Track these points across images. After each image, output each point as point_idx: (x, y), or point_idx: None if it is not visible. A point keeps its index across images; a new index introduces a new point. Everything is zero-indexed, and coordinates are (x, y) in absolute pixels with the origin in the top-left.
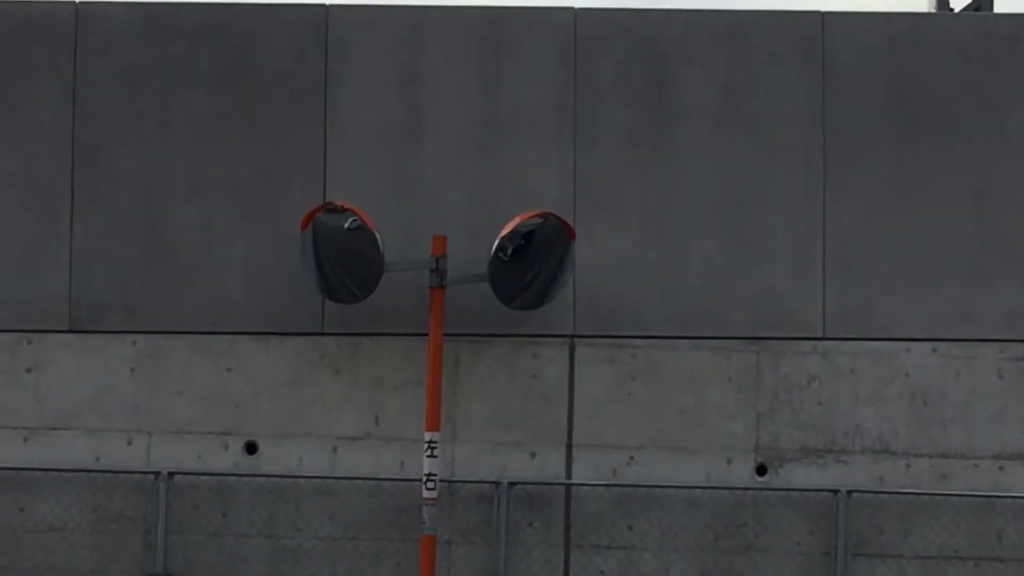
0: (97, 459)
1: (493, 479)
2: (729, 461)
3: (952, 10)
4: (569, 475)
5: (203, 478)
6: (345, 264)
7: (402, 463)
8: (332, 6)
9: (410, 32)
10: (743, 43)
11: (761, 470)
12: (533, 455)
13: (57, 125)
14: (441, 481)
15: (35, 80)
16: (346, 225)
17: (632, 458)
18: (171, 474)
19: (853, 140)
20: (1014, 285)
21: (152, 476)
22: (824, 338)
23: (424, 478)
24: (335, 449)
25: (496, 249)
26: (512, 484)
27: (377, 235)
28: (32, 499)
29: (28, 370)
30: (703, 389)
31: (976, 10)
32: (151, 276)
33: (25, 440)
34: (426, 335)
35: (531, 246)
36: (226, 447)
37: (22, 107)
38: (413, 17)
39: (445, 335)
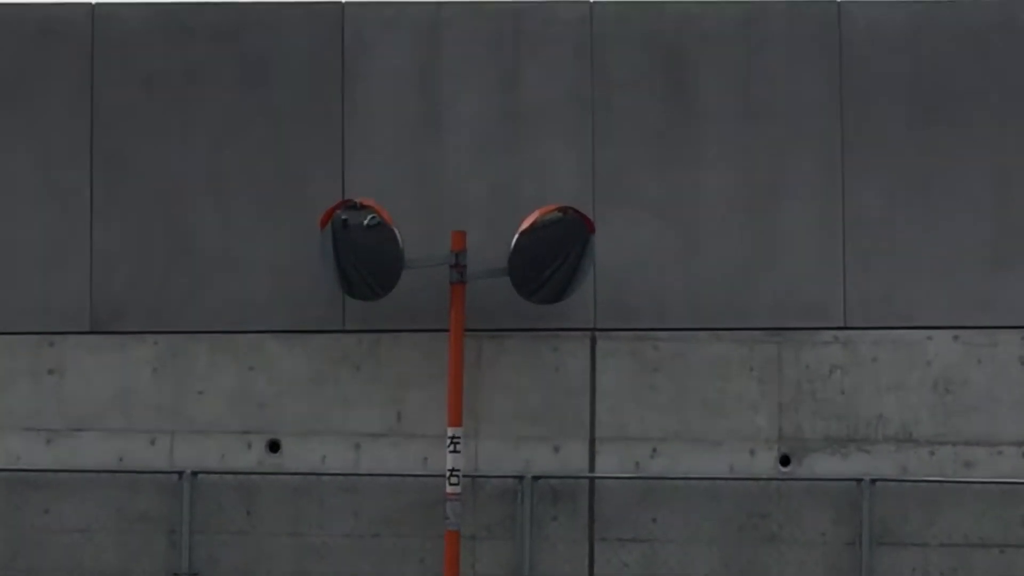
0: (120, 460)
1: (516, 473)
2: (752, 452)
3: None
4: (592, 468)
5: (227, 477)
6: (365, 260)
7: (425, 459)
8: (348, 3)
9: (427, 28)
10: (760, 33)
11: (784, 460)
12: (556, 449)
13: (76, 126)
14: (464, 476)
15: (53, 82)
16: (365, 222)
17: (655, 450)
18: (195, 473)
19: (872, 129)
20: None
21: (176, 476)
22: (845, 327)
23: (447, 474)
24: (358, 446)
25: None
26: (536, 478)
27: (396, 231)
28: (56, 501)
29: (50, 372)
30: (725, 380)
31: None
32: (172, 276)
33: (48, 442)
34: (447, 331)
35: (551, 240)
36: (249, 446)
37: (41, 109)
38: (430, 13)
39: (466, 331)
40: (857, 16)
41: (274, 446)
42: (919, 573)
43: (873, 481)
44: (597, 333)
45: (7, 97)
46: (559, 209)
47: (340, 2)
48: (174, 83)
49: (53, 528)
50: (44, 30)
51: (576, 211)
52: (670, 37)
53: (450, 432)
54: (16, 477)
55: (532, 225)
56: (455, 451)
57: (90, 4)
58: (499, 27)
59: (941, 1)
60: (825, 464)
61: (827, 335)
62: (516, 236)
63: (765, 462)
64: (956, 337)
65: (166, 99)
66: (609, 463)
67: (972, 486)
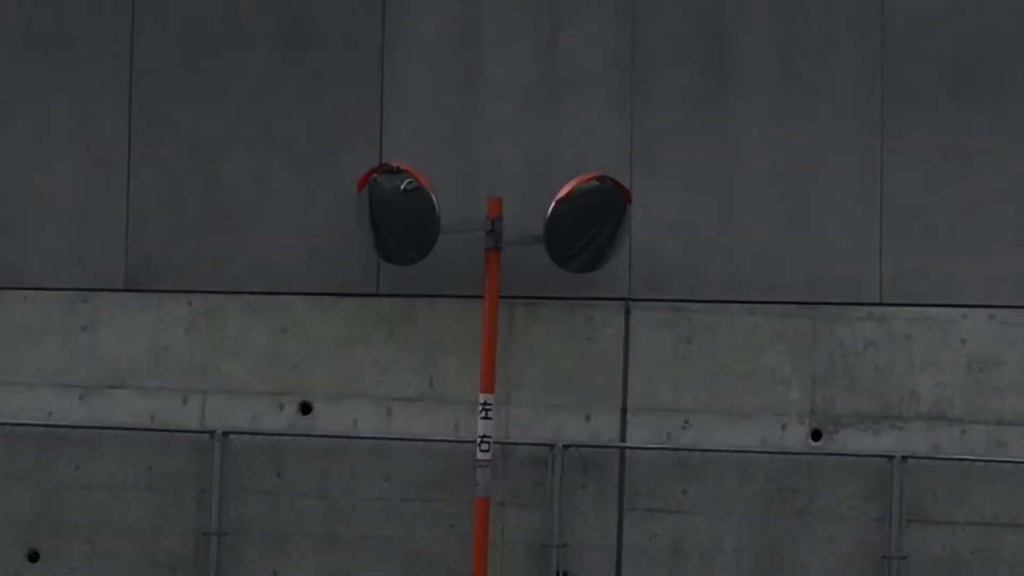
0: (152, 418)
1: (547, 441)
2: (784, 426)
3: None
4: (623, 438)
5: (257, 438)
6: (401, 225)
7: (456, 425)
8: None
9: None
10: (801, 5)
11: (816, 435)
12: (588, 418)
13: (114, 82)
14: (495, 443)
15: (92, 37)
16: (402, 186)
17: (687, 422)
18: (226, 433)
19: (911, 104)
20: None
21: (207, 435)
22: (881, 303)
23: (478, 440)
24: (390, 410)
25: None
26: (566, 447)
27: (433, 196)
28: (87, 457)
29: (84, 328)
30: (758, 354)
31: None
32: (207, 235)
33: (81, 398)
34: (481, 297)
35: (587, 209)
36: (281, 407)
37: (79, 64)
38: None
39: (500, 297)
40: None
41: (306, 408)
42: (948, 551)
43: (904, 458)
44: (631, 303)
45: (46, 51)
46: (596, 178)
47: None
48: (214, 41)
49: (83, 484)
50: None
51: (614, 180)
52: (711, 6)
53: (482, 399)
54: (48, 433)
55: (569, 193)
56: (487, 418)
57: None
58: None
59: None
60: (856, 440)
61: (862, 311)
62: (552, 204)
63: (796, 436)
64: (992, 316)
65: (205, 57)
66: (640, 434)
67: (1004, 465)
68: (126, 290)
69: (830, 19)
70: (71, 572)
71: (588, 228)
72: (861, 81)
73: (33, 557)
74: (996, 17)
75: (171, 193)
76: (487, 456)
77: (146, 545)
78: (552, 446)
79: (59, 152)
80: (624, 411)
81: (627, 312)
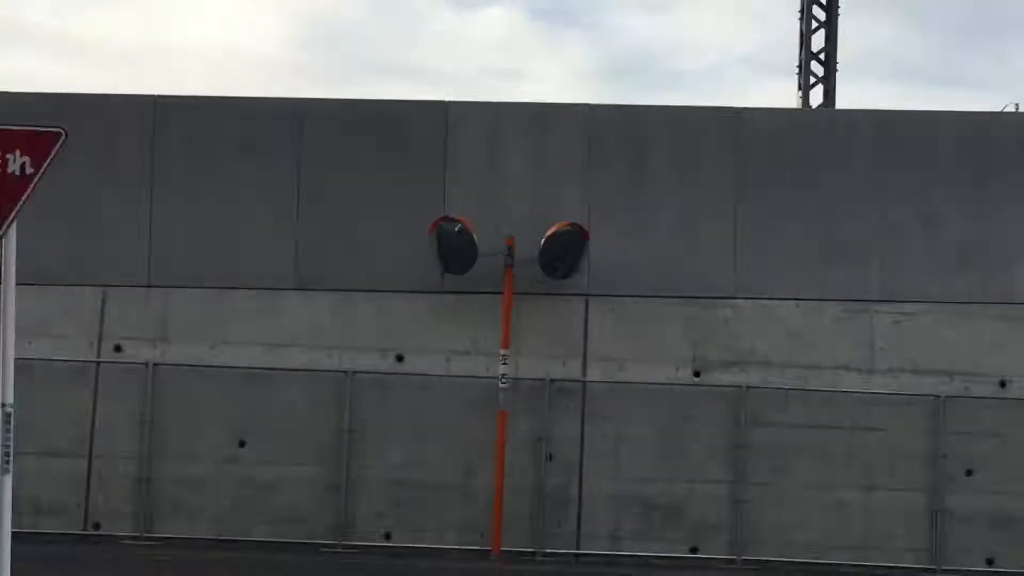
0: (311, 363)
1: (541, 377)
2: (677, 369)
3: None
4: (585, 376)
5: (373, 375)
6: (455, 252)
7: (487, 368)
8: (450, 103)
9: (491, 125)
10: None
11: (696, 374)
12: (564, 363)
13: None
14: (511, 378)
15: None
16: (456, 229)
17: (621, 367)
18: (354, 372)
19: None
20: None
21: (343, 374)
22: (735, 297)
23: (500, 377)
24: (448, 359)
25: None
26: (552, 381)
27: (474, 235)
28: (274, 389)
29: (273, 312)
30: (663, 326)
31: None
32: (345, 257)
33: (269, 351)
34: (502, 293)
35: (564, 242)
36: (384, 356)
37: None
38: (495, 111)
39: (513, 293)
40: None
41: (400, 358)
42: (775, 443)
43: (748, 388)
44: (590, 297)
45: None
46: (569, 224)
47: (444, 101)
48: (359, 168)
49: (266, 409)
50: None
51: (579, 225)
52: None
53: (502, 352)
54: (247, 372)
55: (553, 233)
56: (505, 363)
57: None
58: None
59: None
60: (719, 377)
61: (724, 302)
62: (543, 239)
63: (685, 375)
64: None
65: (345, 172)
66: (595, 373)
67: (806, 392)
68: (298, 289)
69: None
70: (272, 449)
71: (565, 254)
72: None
73: (242, 444)
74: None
75: (335, 225)
76: (506, 386)
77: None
78: (544, 380)
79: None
80: (584, 360)
81: (587, 303)
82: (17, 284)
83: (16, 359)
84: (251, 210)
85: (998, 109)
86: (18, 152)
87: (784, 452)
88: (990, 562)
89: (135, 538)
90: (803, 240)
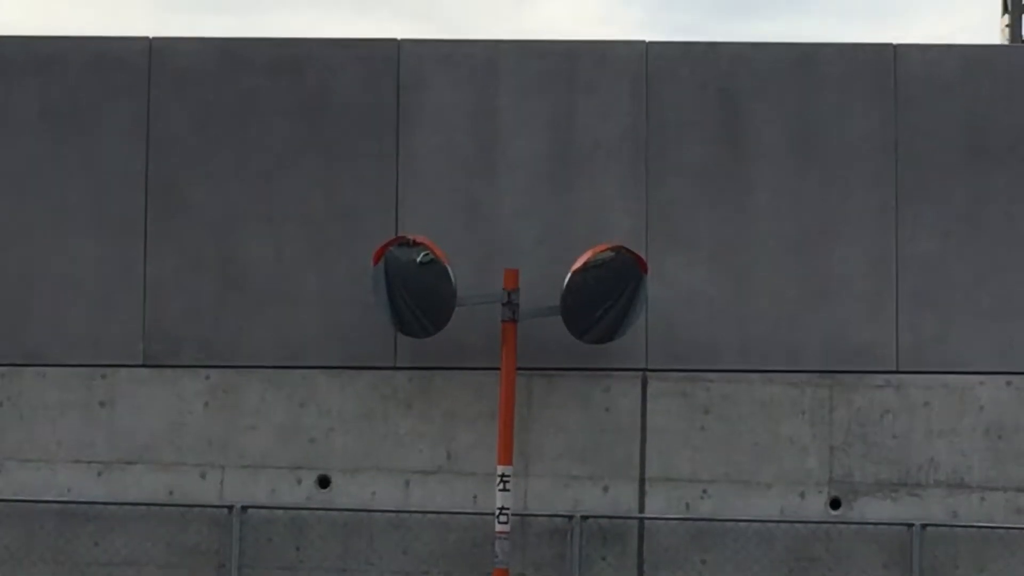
0: (171, 493)
1: (566, 513)
2: (802, 495)
3: None
4: (642, 509)
5: (276, 512)
6: (418, 298)
7: (475, 497)
8: (404, 40)
9: (483, 66)
10: (814, 75)
11: (835, 504)
12: (606, 489)
13: (131, 159)
14: (514, 515)
15: (109, 113)
16: (419, 259)
17: (705, 491)
18: (244, 508)
19: (926, 172)
20: None
21: (226, 510)
22: (898, 371)
23: (497, 512)
24: (408, 483)
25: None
26: (585, 518)
27: (449, 269)
28: (106, 533)
29: (102, 404)
30: (776, 423)
31: None
32: (225, 310)
33: (99, 474)
34: (498, 369)
35: (603, 280)
36: (299, 481)
37: (96, 141)
38: (486, 51)
39: (517, 369)
40: (911, 60)
41: (324, 482)
42: None
43: (924, 526)
44: (648, 373)
45: (64, 128)
46: (612, 248)
47: (396, 39)
48: (229, 117)
49: (103, 561)
50: (101, 63)
51: (629, 250)
52: (724, 77)
53: (500, 470)
54: (67, 509)
55: (585, 264)
56: (505, 489)
57: (147, 39)
58: (554, 66)
59: (995, 46)
60: (876, 508)
61: (879, 379)
62: (569, 275)
63: (815, 505)
64: (1009, 383)
65: (221, 132)
66: (658, 504)
67: (1023, 532)
68: (144, 365)
69: (843, 90)
70: None
71: (604, 299)
72: (875, 148)
73: None
74: (1009, 86)
75: (188, 268)
76: (506, 528)
77: None
78: (571, 517)
79: (77, 229)
80: (642, 481)
81: (644, 382)
82: None
83: None
84: (61, 235)
85: None
86: None
87: None
88: None
89: None
90: (1018, 269)
